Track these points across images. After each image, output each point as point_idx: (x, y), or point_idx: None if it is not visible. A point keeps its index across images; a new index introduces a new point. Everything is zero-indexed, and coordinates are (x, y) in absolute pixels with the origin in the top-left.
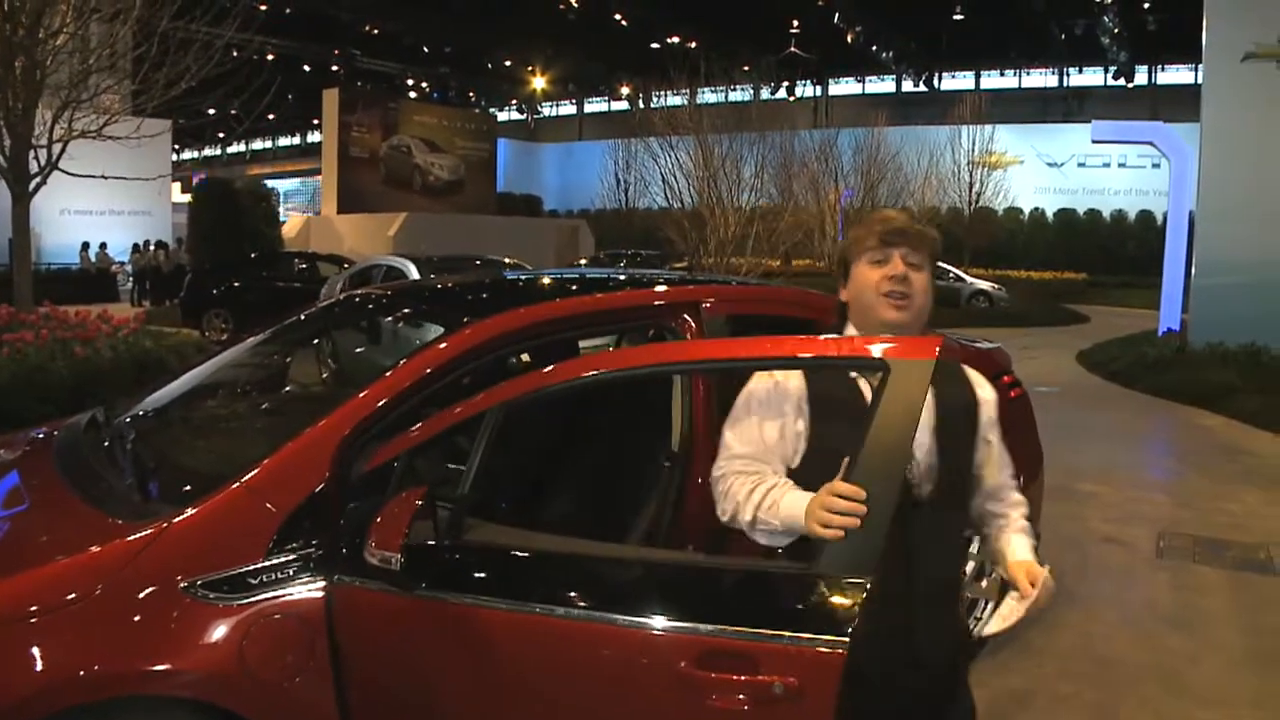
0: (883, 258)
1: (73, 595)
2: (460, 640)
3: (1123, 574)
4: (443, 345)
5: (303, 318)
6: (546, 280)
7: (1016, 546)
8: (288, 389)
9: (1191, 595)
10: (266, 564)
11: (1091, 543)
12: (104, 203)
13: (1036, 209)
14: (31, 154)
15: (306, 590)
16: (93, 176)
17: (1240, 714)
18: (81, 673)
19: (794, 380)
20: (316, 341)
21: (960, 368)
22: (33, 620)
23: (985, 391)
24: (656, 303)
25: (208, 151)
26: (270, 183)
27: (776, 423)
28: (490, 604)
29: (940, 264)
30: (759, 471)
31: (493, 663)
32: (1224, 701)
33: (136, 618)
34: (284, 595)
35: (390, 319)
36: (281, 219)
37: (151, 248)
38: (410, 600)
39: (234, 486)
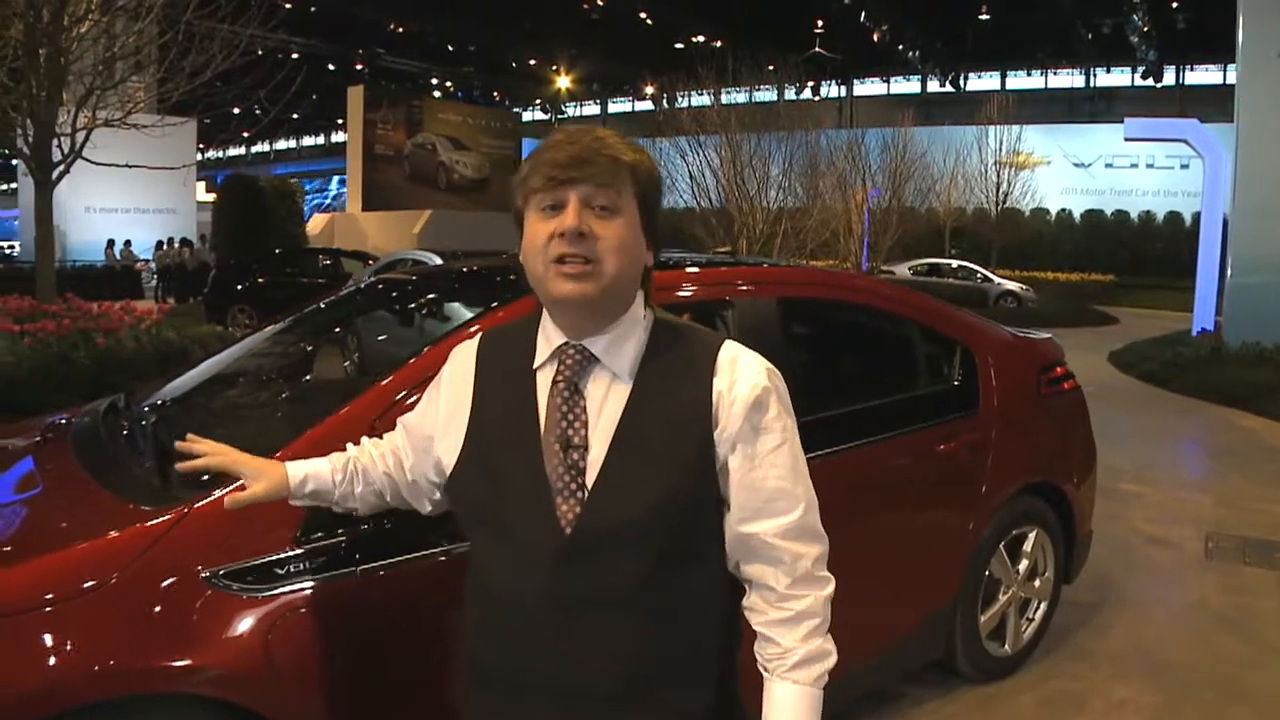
0: (554, 203)
1: (90, 583)
2: None
3: (1172, 575)
4: (474, 329)
5: (323, 305)
6: None
7: (779, 706)
8: (311, 376)
9: (1244, 597)
10: (294, 553)
11: (1138, 543)
12: (129, 200)
13: (1063, 210)
14: (55, 142)
15: (336, 582)
16: (116, 165)
17: None
18: (96, 667)
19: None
20: (340, 329)
21: (702, 340)
22: (48, 609)
23: (732, 383)
24: (711, 283)
25: (232, 152)
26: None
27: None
28: None
29: (968, 264)
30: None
31: None
32: None
33: (155, 609)
34: (313, 587)
35: (416, 304)
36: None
37: (176, 245)
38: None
39: None
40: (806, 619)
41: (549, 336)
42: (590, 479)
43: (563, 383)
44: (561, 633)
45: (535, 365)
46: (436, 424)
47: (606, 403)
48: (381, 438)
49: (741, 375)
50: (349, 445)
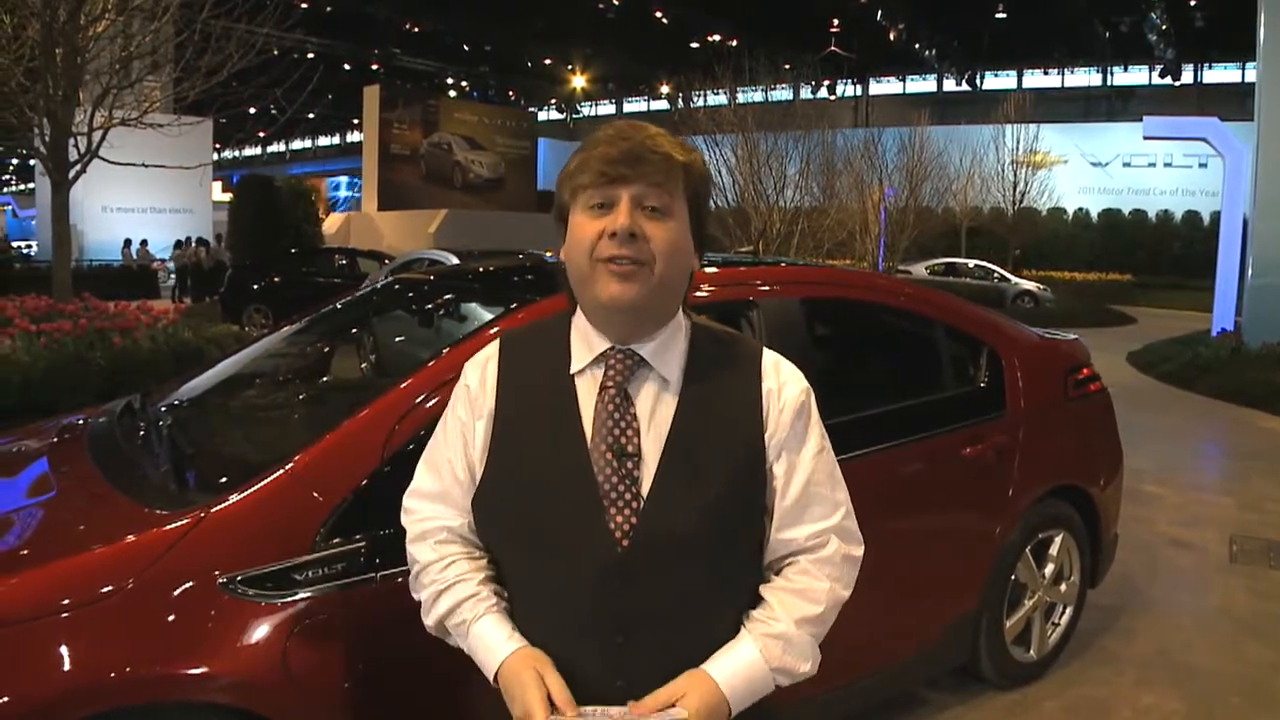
0: (604, 201)
1: (106, 589)
2: None
3: (1196, 578)
4: (493, 331)
5: (340, 306)
6: None
7: (732, 655)
8: (329, 378)
9: (1270, 602)
10: (313, 558)
11: (1162, 546)
12: (146, 200)
13: (1081, 209)
14: (71, 142)
15: (355, 589)
16: (132, 165)
17: None
18: (112, 674)
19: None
20: (357, 329)
21: (744, 345)
22: (64, 615)
23: (780, 388)
24: (733, 282)
25: (248, 151)
26: None
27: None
28: None
29: (985, 264)
30: (447, 558)
31: None
32: None
33: (170, 616)
34: (332, 593)
35: (434, 304)
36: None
37: (192, 244)
38: None
39: (278, 474)
40: (810, 603)
41: (589, 340)
42: (645, 488)
43: (613, 388)
44: (618, 652)
45: (574, 370)
46: (475, 450)
47: (657, 408)
48: (429, 541)
49: (786, 380)
50: (454, 588)
